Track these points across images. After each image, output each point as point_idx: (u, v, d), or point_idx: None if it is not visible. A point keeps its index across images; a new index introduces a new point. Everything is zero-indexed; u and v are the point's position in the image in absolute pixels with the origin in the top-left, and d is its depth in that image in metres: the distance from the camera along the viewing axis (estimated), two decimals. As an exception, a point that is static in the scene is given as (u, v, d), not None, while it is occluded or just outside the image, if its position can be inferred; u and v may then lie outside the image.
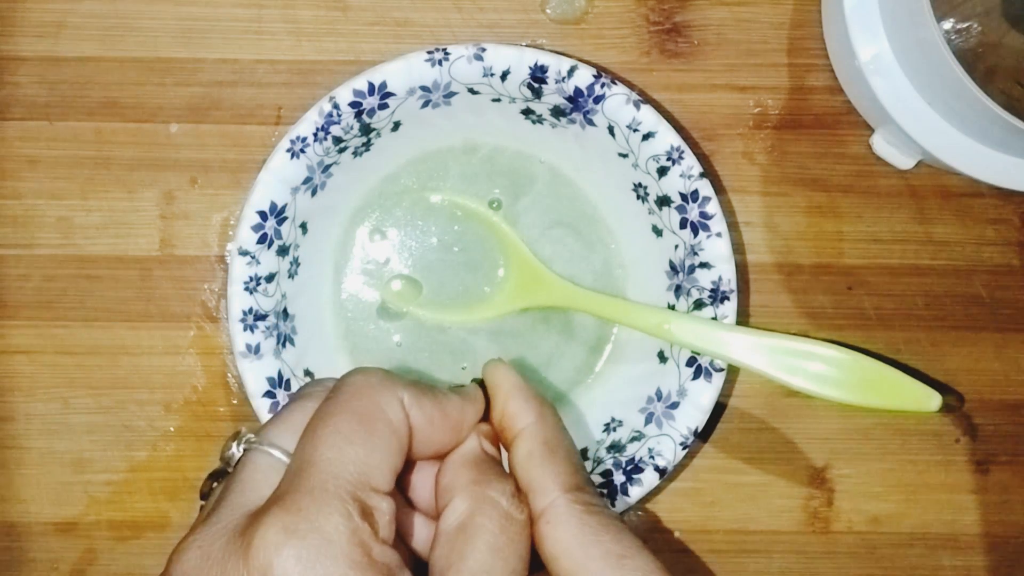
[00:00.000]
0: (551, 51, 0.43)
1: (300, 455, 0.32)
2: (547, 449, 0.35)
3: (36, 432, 0.47)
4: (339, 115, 0.42)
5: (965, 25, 0.42)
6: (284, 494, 0.31)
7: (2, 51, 0.46)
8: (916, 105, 0.43)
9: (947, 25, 0.42)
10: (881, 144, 0.47)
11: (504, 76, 0.42)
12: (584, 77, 0.42)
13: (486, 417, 0.37)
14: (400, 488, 0.35)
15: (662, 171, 0.43)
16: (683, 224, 0.43)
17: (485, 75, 0.42)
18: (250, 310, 0.43)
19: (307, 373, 0.44)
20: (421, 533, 0.35)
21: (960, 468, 0.48)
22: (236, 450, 0.34)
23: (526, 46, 0.43)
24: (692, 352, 0.44)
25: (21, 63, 0.47)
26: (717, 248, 0.43)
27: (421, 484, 0.36)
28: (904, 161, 0.47)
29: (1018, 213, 0.48)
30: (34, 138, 0.47)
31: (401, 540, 0.35)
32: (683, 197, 0.43)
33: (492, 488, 0.33)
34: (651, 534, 0.47)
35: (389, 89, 0.42)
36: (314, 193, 0.43)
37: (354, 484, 0.31)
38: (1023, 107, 0.41)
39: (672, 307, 0.45)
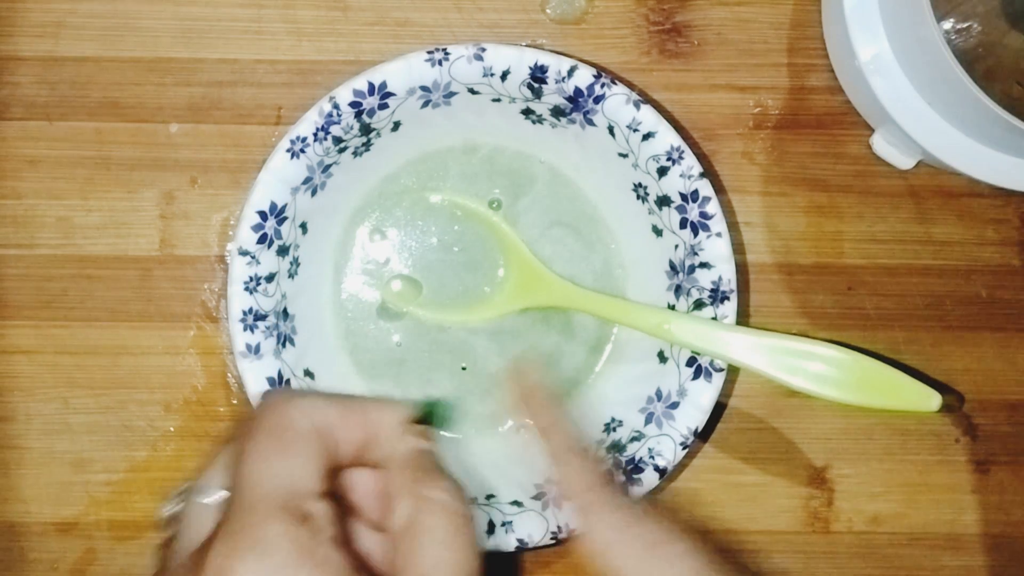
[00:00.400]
0: (551, 51, 0.43)
1: (233, 486, 0.33)
2: (568, 451, 0.37)
3: (36, 432, 0.47)
4: (339, 115, 0.42)
5: (965, 25, 0.42)
6: (224, 522, 0.32)
7: (2, 51, 0.46)
8: (916, 105, 0.43)
9: (947, 25, 0.42)
10: (881, 144, 0.47)
11: (504, 76, 0.42)
12: (584, 77, 0.42)
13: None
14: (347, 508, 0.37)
15: (662, 171, 0.43)
16: (683, 224, 0.43)
17: (485, 75, 0.42)
18: (250, 310, 0.43)
19: (307, 373, 0.44)
20: (377, 547, 0.36)
21: (960, 468, 0.48)
22: (175, 507, 0.35)
23: (526, 46, 0.43)
24: (692, 352, 0.44)
25: (21, 63, 0.47)
26: (717, 248, 0.43)
27: (368, 504, 0.37)
28: (904, 161, 0.47)
29: (1018, 213, 0.48)
30: (34, 138, 0.47)
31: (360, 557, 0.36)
32: (683, 197, 0.43)
33: (431, 486, 0.34)
34: (651, 534, 0.47)
35: (389, 89, 0.42)
36: (314, 193, 0.43)
37: (284, 495, 0.32)
38: (1023, 107, 0.41)
39: (672, 307, 0.45)
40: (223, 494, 0.34)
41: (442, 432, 0.42)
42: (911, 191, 0.48)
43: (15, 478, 0.47)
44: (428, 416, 0.40)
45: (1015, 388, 0.48)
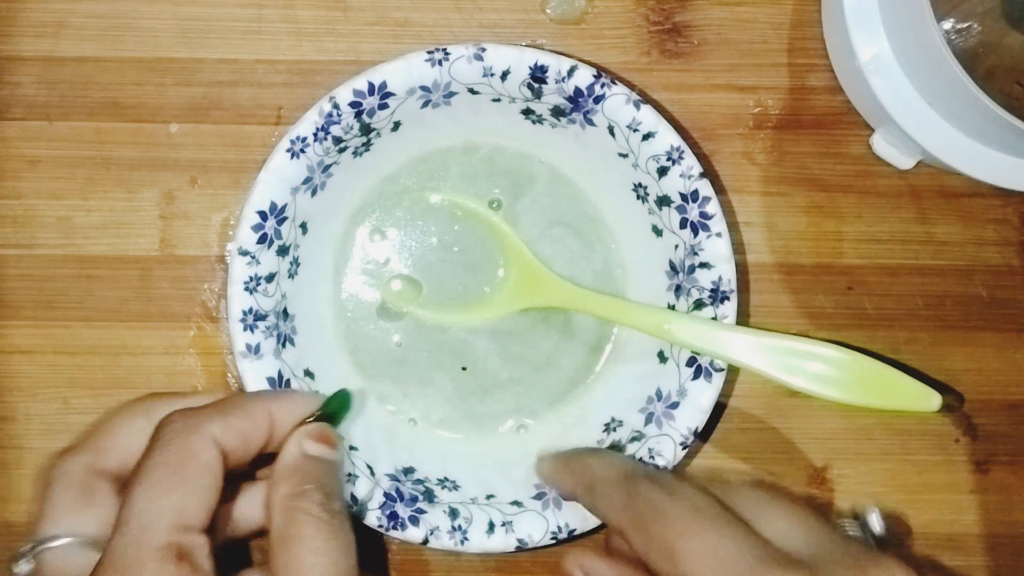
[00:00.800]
0: (551, 51, 0.43)
1: (119, 516, 0.34)
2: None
3: (36, 432, 0.47)
4: (339, 115, 0.42)
5: (965, 25, 0.42)
6: (103, 561, 0.33)
7: (2, 51, 0.46)
8: (916, 105, 0.43)
9: (947, 25, 0.42)
10: (881, 144, 0.47)
11: (504, 76, 0.42)
12: (584, 77, 0.42)
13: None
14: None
15: (662, 171, 0.43)
16: (683, 224, 0.43)
17: (485, 75, 0.42)
18: (250, 310, 0.43)
19: (307, 373, 0.44)
20: None
21: (960, 468, 0.48)
22: (26, 565, 0.37)
23: (526, 46, 0.43)
24: (692, 352, 0.44)
25: (21, 63, 0.47)
26: (717, 248, 0.43)
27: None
28: (904, 161, 0.47)
29: (1018, 213, 0.48)
30: (34, 138, 0.47)
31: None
32: (683, 197, 0.43)
33: (303, 499, 0.36)
34: (651, 534, 0.47)
35: (389, 89, 0.42)
36: (314, 193, 0.43)
37: (169, 530, 0.34)
38: (1023, 107, 0.41)
39: (672, 307, 0.45)
40: (68, 540, 0.36)
41: (342, 424, 0.42)
42: (911, 191, 0.48)
43: (15, 478, 0.47)
44: (332, 409, 0.41)
45: (1015, 388, 0.48)
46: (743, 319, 0.47)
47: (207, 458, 0.36)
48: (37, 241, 0.47)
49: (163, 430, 0.36)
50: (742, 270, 0.47)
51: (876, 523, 0.40)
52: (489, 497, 0.44)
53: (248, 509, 0.39)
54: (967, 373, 0.48)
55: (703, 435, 0.47)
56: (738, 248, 0.47)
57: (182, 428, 0.36)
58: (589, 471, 0.41)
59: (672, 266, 0.44)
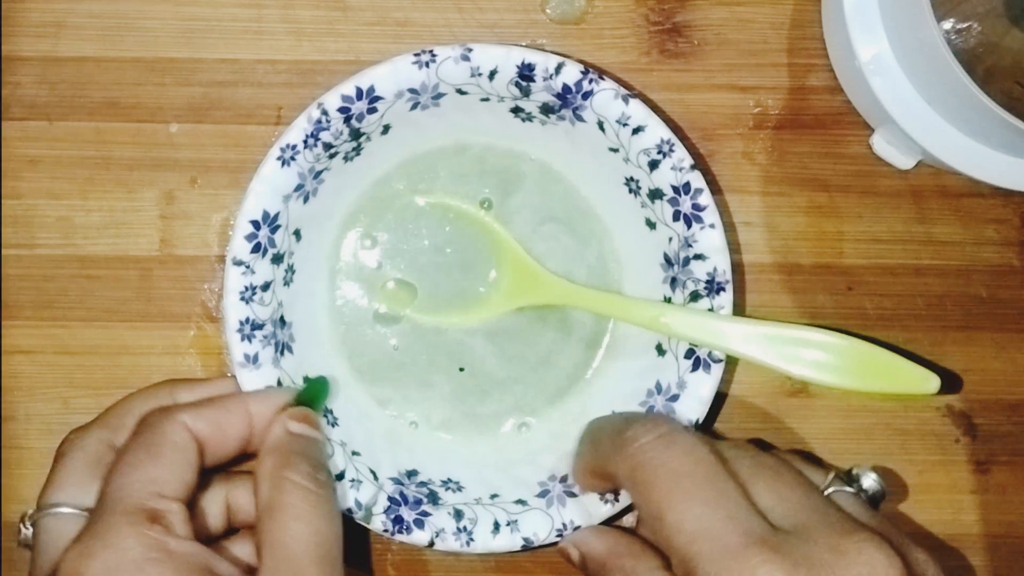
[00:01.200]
0: (548, 50, 0.43)
1: (100, 493, 0.37)
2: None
3: (36, 432, 0.47)
4: (328, 121, 0.42)
5: (965, 25, 0.42)
6: (83, 530, 0.36)
7: (2, 51, 0.47)
8: (916, 105, 0.43)
9: (947, 25, 0.42)
10: (881, 144, 0.47)
11: (492, 75, 0.42)
12: (571, 74, 0.42)
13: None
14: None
15: (653, 164, 0.43)
16: (676, 216, 0.43)
17: (473, 75, 0.42)
18: (247, 320, 0.42)
19: (306, 380, 0.44)
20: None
21: (960, 468, 0.48)
22: (26, 530, 0.39)
23: (526, 46, 0.43)
24: (690, 344, 0.44)
25: (21, 63, 0.47)
26: (710, 239, 0.43)
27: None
28: (904, 161, 0.46)
29: (1018, 213, 0.48)
30: (34, 138, 0.47)
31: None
32: (675, 190, 0.43)
33: (289, 469, 0.37)
34: (651, 534, 0.47)
35: (377, 93, 0.42)
36: (306, 200, 0.43)
37: (141, 498, 0.36)
38: (1023, 107, 0.40)
39: (668, 300, 0.44)
40: (68, 509, 0.38)
41: (322, 408, 0.43)
42: (911, 191, 0.48)
43: (15, 478, 0.47)
44: (309, 396, 0.42)
45: (1015, 388, 0.48)
46: (742, 319, 0.47)
47: (178, 439, 0.38)
48: (37, 241, 0.47)
49: (142, 422, 0.39)
50: (741, 270, 0.47)
51: (870, 482, 0.40)
52: (493, 497, 0.44)
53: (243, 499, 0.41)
54: (967, 373, 0.48)
55: (703, 430, 0.47)
56: (738, 248, 0.47)
57: (157, 418, 0.38)
58: (592, 429, 0.42)
59: (667, 259, 0.44)
